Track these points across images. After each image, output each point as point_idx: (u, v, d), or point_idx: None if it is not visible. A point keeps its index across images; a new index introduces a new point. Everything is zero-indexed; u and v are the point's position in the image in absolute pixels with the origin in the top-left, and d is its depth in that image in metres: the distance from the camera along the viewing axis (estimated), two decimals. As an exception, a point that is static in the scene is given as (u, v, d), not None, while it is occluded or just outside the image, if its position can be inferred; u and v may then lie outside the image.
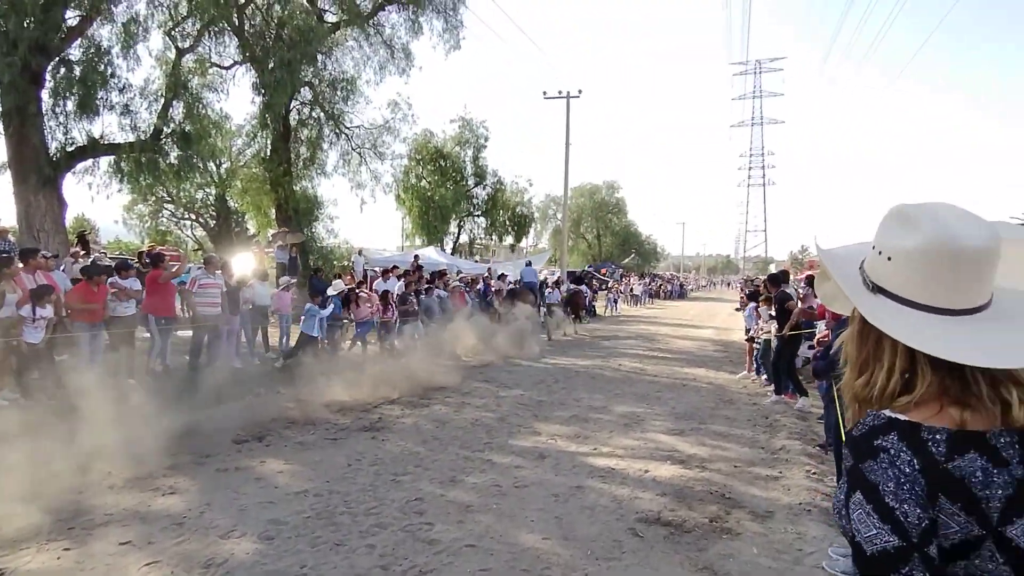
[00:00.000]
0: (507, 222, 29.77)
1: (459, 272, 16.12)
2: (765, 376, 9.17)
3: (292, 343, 10.47)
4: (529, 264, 18.90)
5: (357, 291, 11.25)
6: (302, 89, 19.93)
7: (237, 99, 40.77)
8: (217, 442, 5.57)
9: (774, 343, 8.33)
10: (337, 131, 21.35)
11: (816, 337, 7.96)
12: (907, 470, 0.84)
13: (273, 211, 20.38)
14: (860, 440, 0.90)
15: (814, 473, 4.96)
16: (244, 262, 11.47)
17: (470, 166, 28.42)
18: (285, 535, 3.72)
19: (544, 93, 27.63)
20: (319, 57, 19.36)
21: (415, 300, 12.03)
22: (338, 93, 20.60)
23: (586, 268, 34.39)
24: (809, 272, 18.89)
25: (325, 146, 21.58)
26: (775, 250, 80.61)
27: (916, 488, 0.83)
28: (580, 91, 27.40)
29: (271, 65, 17.49)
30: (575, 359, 11.83)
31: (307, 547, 3.57)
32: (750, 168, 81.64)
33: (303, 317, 9.65)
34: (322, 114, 20.84)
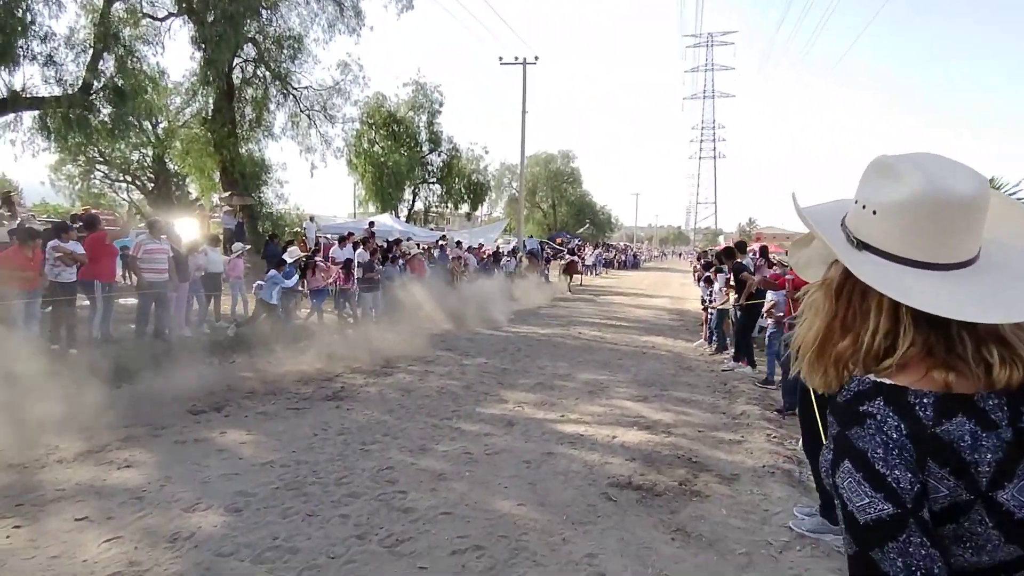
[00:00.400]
0: (463, 190, 29.33)
1: (410, 239, 15.84)
2: (716, 345, 9.46)
3: (247, 311, 10.12)
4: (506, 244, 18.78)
5: (315, 259, 10.92)
6: (245, 45, 18.88)
7: (175, 54, 38.50)
8: (172, 413, 5.34)
9: (733, 313, 8.57)
10: (284, 91, 20.39)
11: (765, 307, 8.29)
12: (895, 435, 0.81)
13: (218, 174, 19.42)
14: (845, 406, 0.86)
15: (774, 437, 5.16)
16: (188, 227, 10.92)
17: (424, 132, 27.73)
18: (254, 507, 3.61)
19: (500, 59, 27.16)
20: (263, 12, 18.35)
21: (379, 268, 11.77)
22: (284, 51, 19.63)
23: (547, 238, 34.48)
24: (760, 243, 19.48)
25: (272, 107, 20.63)
26: (725, 222, 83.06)
27: (905, 453, 0.80)
28: (536, 58, 27.06)
29: (211, 18, 16.45)
30: (535, 327, 11.89)
31: (278, 518, 3.47)
32: (701, 141, 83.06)
33: (262, 284, 9.30)
34: (267, 73, 19.83)
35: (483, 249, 19.62)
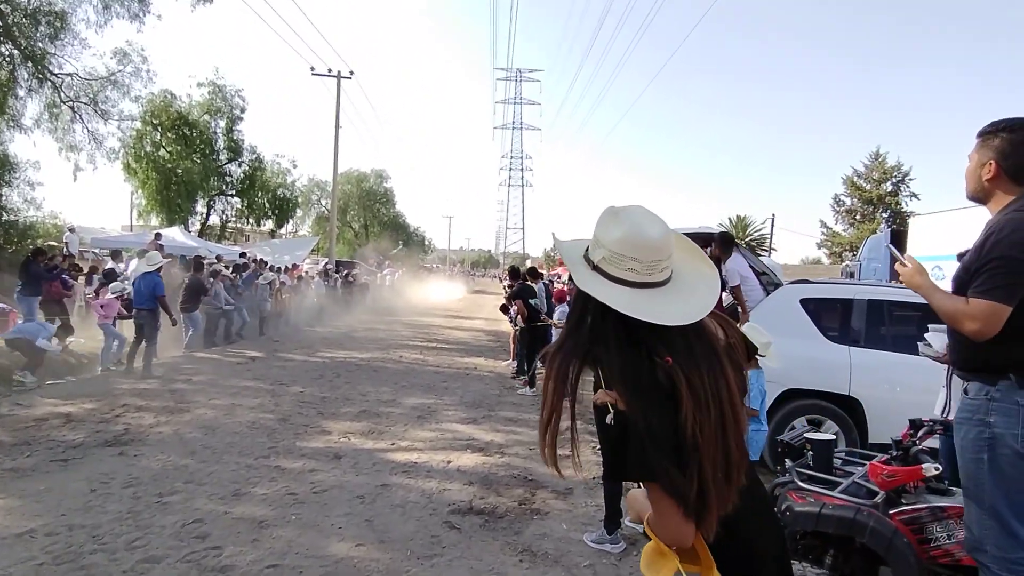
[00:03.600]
0: (266, 205, 27.06)
1: (219, 257, 14.16)
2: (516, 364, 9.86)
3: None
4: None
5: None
6: (-16, 14, 15.47)
7: None
8: None
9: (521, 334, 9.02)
10: (39, 76, 17.06)
11: (554, 320, 8.94)
12: None
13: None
14: None
15: (598, 449, 5.48)
16: None
17: (223, 139, 25.13)
18: (8, 593, 2.82)
19: (312, 69, 25.95)
20: (14, -23, 15.26)
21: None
22: (40, 28, 16.49)
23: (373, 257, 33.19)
24: (563, 268, 20.97)
25: (21, 93, 17.09)
26: (532, 247, 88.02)
27: None
28: (352, 72, 26.38)
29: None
30: (352, 351, 11.32)
31: (47, 604, 2.75)
32: (511, 169, 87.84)
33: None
34: (16, 51, 16.42)
35: (297, 269, 18.31)
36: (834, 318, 5.10)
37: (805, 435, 2.69)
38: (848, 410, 4.76)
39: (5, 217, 16.81)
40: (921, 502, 2.24)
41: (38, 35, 16.50)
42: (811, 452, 2.58)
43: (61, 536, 3.39)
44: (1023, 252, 1.87)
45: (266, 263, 16.43)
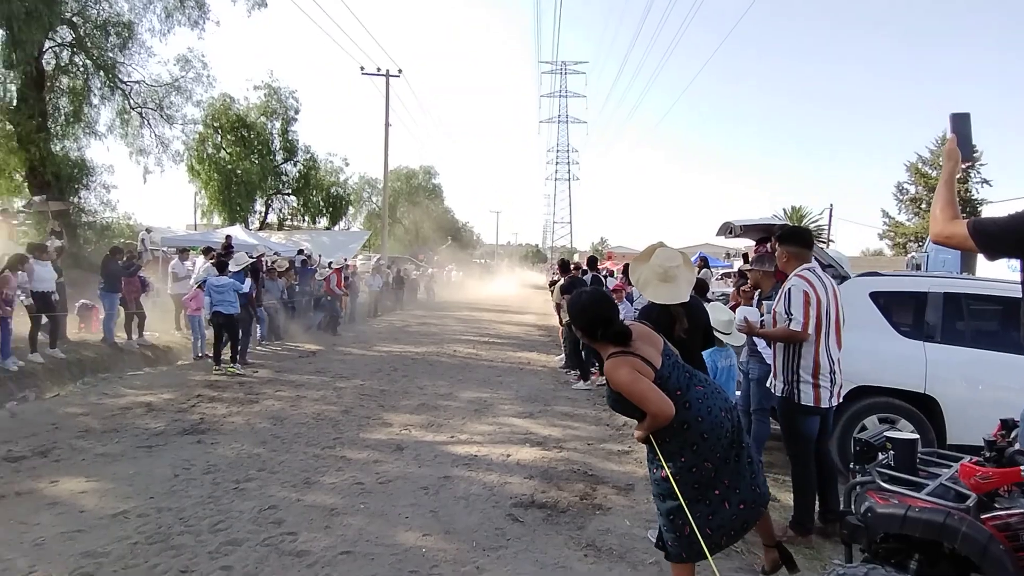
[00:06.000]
0: (321, 202, 27.88)
1: (277, 254, 14.66)
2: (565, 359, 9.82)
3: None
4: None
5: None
6: (61, 28, 16.42)
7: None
8: (-22, 463, 4.35)
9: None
10: (111, 84, 18.02)
11: None
12: None
13: (21, 174, 16.54)
14: None
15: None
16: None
17: (279, 139, 26.02)
18: (109, 569, 3.02)
19: (362, 68, 26.45)
20: (86, -9, 16.13)
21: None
22: (111, 38, 17.41)
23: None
24: (611, 261, 20.77)
25: (95, 101, 18.13)
26: (579, 241, 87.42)
27: None
28: (400, 70, 26.79)
29: (19, -10, 14.07)
30: (408, 346, 11.56)
31: (144, 581, 2.94)
32: (557, 163, 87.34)
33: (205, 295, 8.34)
34: (89, 62, 17.39)
35: (350, 267, 18.75)
36: (907, 312, 4.88)
37: (886, 434, 2.59)
38: (924, 409, 4.56)
39: (84, 219, 17.91)
40: (1017, 507, 2.13)
41: (108, 45, 17.43)
42: (892, 452, 2.49)
43: (151, 518, 3.61)
44: None
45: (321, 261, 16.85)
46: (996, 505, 2.18)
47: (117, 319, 9.26)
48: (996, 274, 6.20)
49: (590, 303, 2.49)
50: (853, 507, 3.29)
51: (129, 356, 8.91)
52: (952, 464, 2.41)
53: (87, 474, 4.27)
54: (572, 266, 11.16)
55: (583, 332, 2.53)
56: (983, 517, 2.14)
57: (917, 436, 2.62)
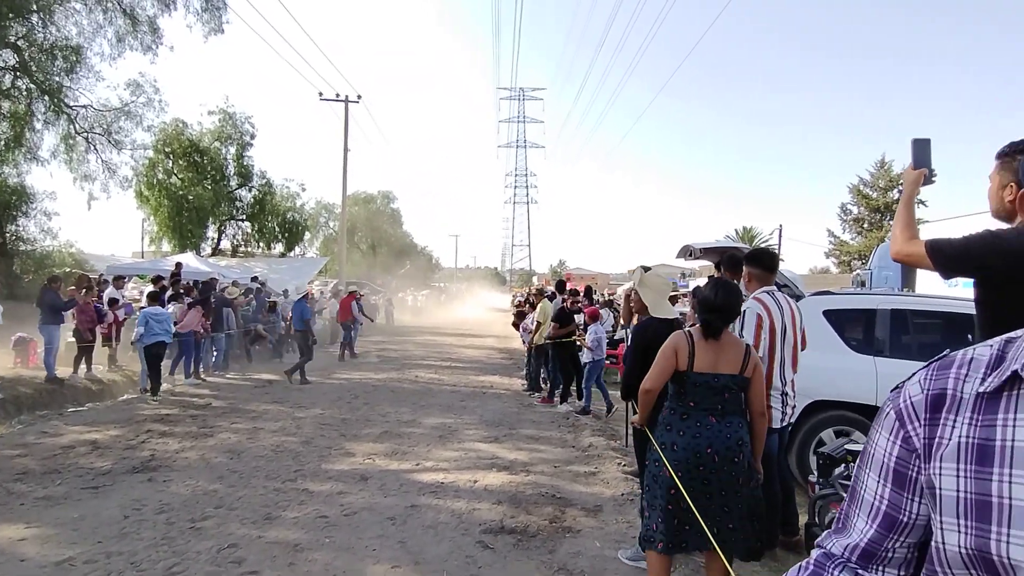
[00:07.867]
0: (276, 228, 27.31)
1: (234, 282, 14.22)
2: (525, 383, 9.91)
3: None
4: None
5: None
6: (3, 51, 15.82)
7: None
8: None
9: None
10: (56, 109, 17.39)
11: (587, 340, 8.89)
12: None
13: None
14: None
15: (624, 465, 5.47)
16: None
17: (233, 164, 25.47)
18: (53, 622, 2.83)
19: (320, 94, 26.24)
20: (34, 16, 15.62)
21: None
22: (57, 62, 16.85)
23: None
24: (570, 282, 20.96)
25: (38, 126, 17.46)
26: (538, 264, 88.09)
27: None
28: (359, 96, 26.71)
29: (-45, 12, 13.55)
30: (368, 373, 11.35)
31: (92, 632, 2.76)
32: (515, 187, 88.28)
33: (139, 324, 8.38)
34: (33, 86, 16.77)
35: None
36: (858, 329, 5.09)
37: (846, 447, 2.68)
38: (876, 421, 4.73)
39: (23, 247, 17.07)
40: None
41: (54, 69, 16.86)
42: (853, 464, 2.57)
43: (100, 563, 3.41)
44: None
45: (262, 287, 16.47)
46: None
47: (58, 352, 8.80)
48: (934, 290, 6.54)
49: (729, 291, 2.75)
50: (817, 519, 3.38)
51: (71, 391, 8.47)
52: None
53: (27, 520, 4.00)
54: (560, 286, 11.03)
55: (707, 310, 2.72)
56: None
57: (874, 447, 2.72)
